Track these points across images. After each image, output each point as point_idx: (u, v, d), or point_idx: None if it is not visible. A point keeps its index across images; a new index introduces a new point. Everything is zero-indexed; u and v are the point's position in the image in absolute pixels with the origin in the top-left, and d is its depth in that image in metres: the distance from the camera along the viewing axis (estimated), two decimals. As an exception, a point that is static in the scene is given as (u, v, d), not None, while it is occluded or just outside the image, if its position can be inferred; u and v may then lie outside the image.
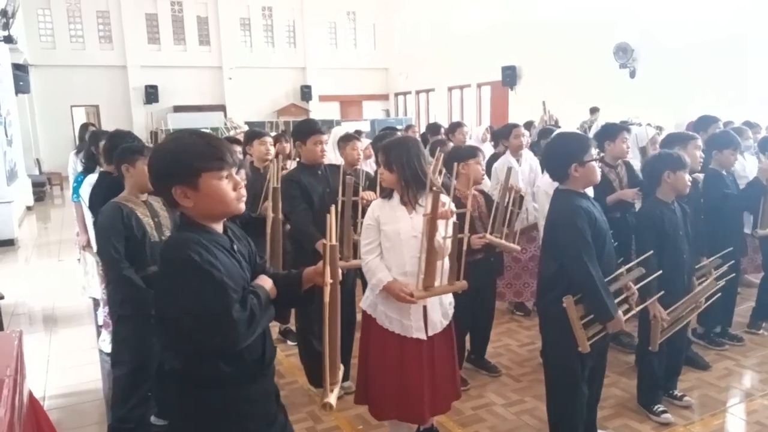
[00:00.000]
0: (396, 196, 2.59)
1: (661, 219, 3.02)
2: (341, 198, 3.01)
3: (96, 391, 3.71)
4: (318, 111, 19.52)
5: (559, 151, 2.61)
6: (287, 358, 4.07)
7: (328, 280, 1.52)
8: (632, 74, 12.57)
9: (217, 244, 1.54)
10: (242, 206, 1.59)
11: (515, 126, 4.82)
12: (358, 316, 4.48)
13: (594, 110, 11.66)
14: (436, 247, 2.49)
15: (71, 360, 4.19)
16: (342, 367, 1.68)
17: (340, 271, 1.61)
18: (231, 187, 1.55)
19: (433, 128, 6.75)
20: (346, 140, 4.29)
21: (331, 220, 1.56)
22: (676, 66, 11.33)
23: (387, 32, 20.89)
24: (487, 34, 16.03)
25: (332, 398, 1.56)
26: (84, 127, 6.32)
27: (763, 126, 7.49)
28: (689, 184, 3.08)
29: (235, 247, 1.62)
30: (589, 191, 3.01)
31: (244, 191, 1.58)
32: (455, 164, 3.24)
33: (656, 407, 3.14)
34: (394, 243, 2.53)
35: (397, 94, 21.46)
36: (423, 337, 2.57)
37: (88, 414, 3.46)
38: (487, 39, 16.00)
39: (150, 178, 1.56)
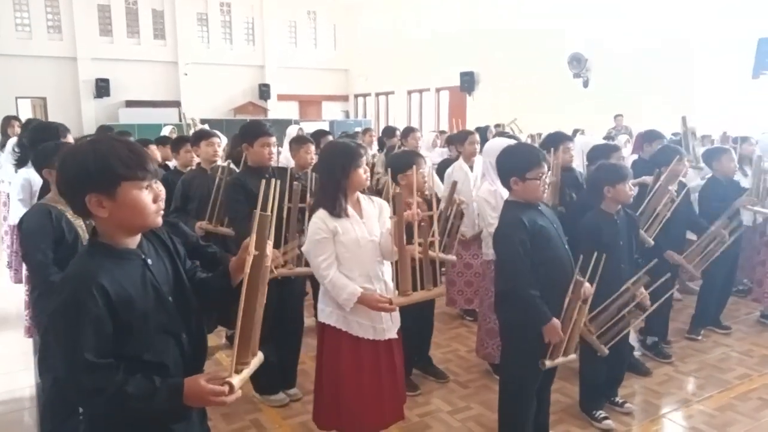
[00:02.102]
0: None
1: (599, 231, 3.07)
2: (288, 204, 2.95)
3: (30, 399, 3.53)
4: (276, 110, 19.30)
5: (504, 164, 2.63)
6: (233, 364, 3.96)
7: (252, 250, 1.46)
8: (585, 84, 12.90)
9: (124, 274, 1.45)
10: (159, 220, 1.49)
11: (470, 133, 4.85)
12: (308, 321, 4.46)
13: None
14: (385, 253, 2.48)
15: (2, 366, 3.98)
16: (260, 355, 1.57)
17: (269, 245, 1.52)
18: (151, 199, 1.46)
19: (389, 132, 6.70)
20: (299, 142, 4.23)
21: (270, 192, 1.52)
22: (626, 75, 11.69)
23: (347, 33, 20.83)
24: (446, 39, 16.17)
25: (236, 379, 1.44)
26: (6, 120, 6.01)
27: (716, 136, 7.80)
28: (631, 193, 3.15)
29: (150, 264, 1.52)
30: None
31: (162, 204, 1.50)
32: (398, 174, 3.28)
33: (598, 413, 3.19)
34: (355, 251, 2.46)
35: (357, 96, 21.42)
36: (395, 335, 2.57)
37: (18, 424, 3.28)
38: (447, 44, 16.14)
39: (61, 182, 1.44)
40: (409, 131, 5.88)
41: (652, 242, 3.06)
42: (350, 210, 2.49)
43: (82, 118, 16.50)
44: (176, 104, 17.98)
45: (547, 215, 2.62)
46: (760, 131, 7.05)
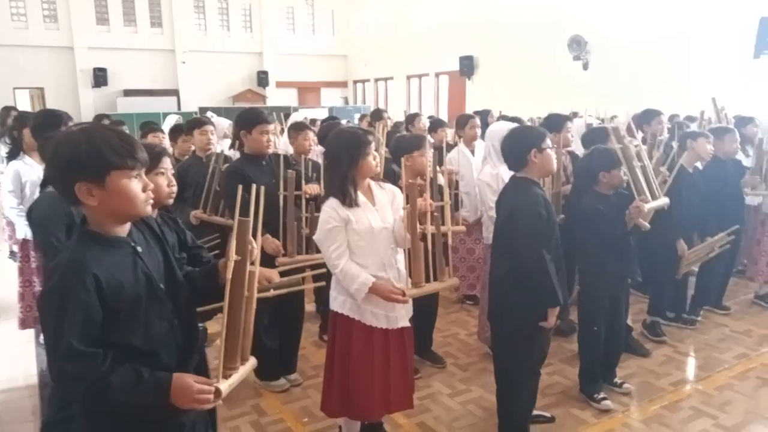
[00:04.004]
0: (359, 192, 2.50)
1: (597, 214, 3.09)
2: (283, 192, 2.94)
3: (32, 387, 3.56)
4: (275, 97, 19.18)
5: (519, 140, 2.67)
6: (234, 350, 3.99)
7: (233, 255, 1.46)
8: (585, 66, 12.80)
9: (114, 262, 1.45)
10: (149, 209, 1.50)
11: (471, 117, 4.82)
12: (309, 307, 4.48)
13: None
14: (398, 240, 2.48)
15: (3, 355, 4.01)
16: (252, 360, 1.58)
17: (255, 248, 1.53)
18: (140, 188, 1.46)
19: (376, 115, 6.32)
20: (297, 129, 4.22)
21: (254, 196, 1.51)
22: (626, 59, 11.58)
23: (346, 19, 20.64)
24: (445, 23, 16.02)
25: (224, 385, 1.45)
26: (6, 111, 5.98)
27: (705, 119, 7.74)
28: (626, 178, 3.15)
29: (141, 252, 1.53)
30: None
31: (152, 194, 1.50)
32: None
33: (597, 395, 3.22)
34: (369, 239, 2.43)
35: (356, 82, 21.29)
36: (407, 324, 2.57)
37: (21, 410, 3.31)
38: (446, 28, 16.00)
39: (50, 169, 1.44)
40: (414, 117, 5.85)
41: (648, 226, 3.05)
42: (362, 198, 2.46)
43: (81, 108, 16.39)
44: (174, 93, 17.93)
45: (544, 191, 2.66)
46: (761, 112, 7.03)
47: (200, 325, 4.18)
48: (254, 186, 1.56)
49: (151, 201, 1.51)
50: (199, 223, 3.68)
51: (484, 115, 8.24)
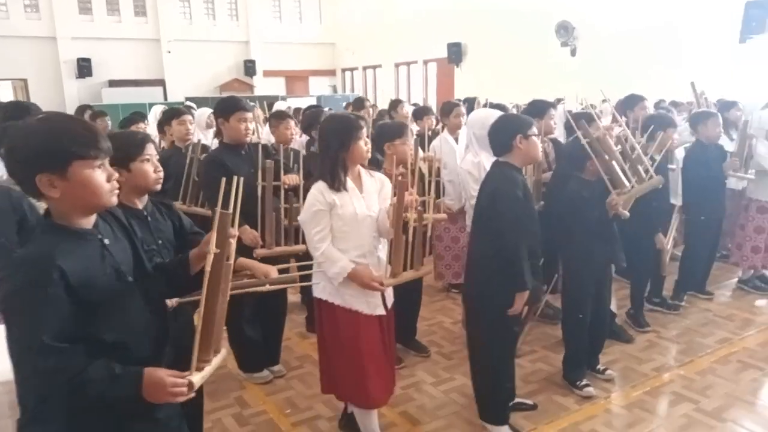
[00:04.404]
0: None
1: (582, 200, 3.09)
2: (261, 182, 2.90)
3: (7, 383, 3.51)
4: (263, 86, 19.01)
5: (505, 126, 2.71)
6: (218, 342, 3.96)
7: (213, 248, 1.42)
8: (573, 52, 12.78)
9: (82, 254, 1.41)
10: (115, 199, 1.46)
11: (456, 104, 4.77)
12: (294, 298, 4.45)
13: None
14: (381, 230, 2.46)
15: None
16: (223, 351, 1.55)
17: (233, 243, 1.50)
18: (104, 178, 1.42)
19: (358, 104, 6.23)
20: (278, 118, 4.17)
21: (235, 188, 1.48)
22: (614, 45, 11.57)
23: (333, 7, 20.46)
24: (433, 10, 15.91)
25: (196, 377, 1.43)
26: None
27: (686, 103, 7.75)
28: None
29: (108, 244, 1.49)
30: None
31: (116, 183, 1.46)
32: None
33: (580, 382, 3.22)
34: (352, 225, 2.43)
35: (344, 70, 21.15)
36: (383, 312, 2.55)
37: None
38: (433, 15, 15.90)
39: (9, 162, 1.39)
40: (397, 103, 5.77)
41: (627, 214, 3.03)
42: (350, 184, 2.45)
43: (65, 99, 16.20)
44: (160, 83, 17.73)
45: (527, 184, 2.66)
46: (747, 95, 7.04)
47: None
48: (235, 178, 1.52)
49: (117, 191, 1.47)
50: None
51: (471, 103, 8.23)
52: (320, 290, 2.52)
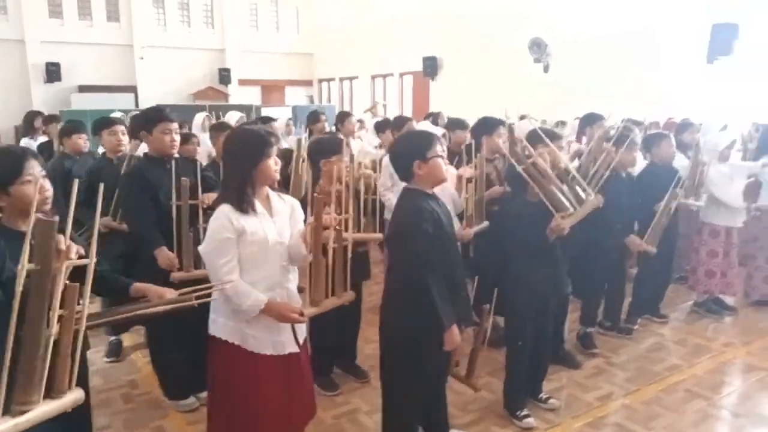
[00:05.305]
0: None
1: (524, 218, 2.98)
2: (176, 202, 2.72)
3: None
4: (238, 95, 18.80)
5: (402, 150, 2.46)
6: (148, 365, 3.74)
7: (26, 263, 1.25)
8: (546, 69, 12.80)
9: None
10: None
11: (408, 119, 4.68)
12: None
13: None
14: (294, 255, 2.27)
15: None
16: (71, 395, 1.38)
17: (69, 256, 1.37)
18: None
19: (313, 117, 5.87)
20: (219, 130, 4.01)
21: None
22: (587, 61, 11.60)
23: (311, 17, 20.37)
24: (409, 23, 15.89)
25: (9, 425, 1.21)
26: None
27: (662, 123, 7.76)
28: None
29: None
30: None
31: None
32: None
33: (520, 412, 3.08)
34: (262, 253, 2.19)
35: (321, 81, 21.03)
36: (296, 349, 2.33)
37: None
38: (409, 28, 15.88)
39: None
40: (344, 116, 5.60)
41: (567, 230, 2.91)
42: (259, 207, 2.22)
43: (33, 104, 15.77)
44: (132, 89, 17.42)
45: (439, 203, 2.47)
46: (714, 116, 7.02)
47: (114, 337, 3.99)
48: (76, 181, 1.36)
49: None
50: (108, 231, 3.44)
51: (435, 117, 8.16)
52: (218, 328, 2.27)
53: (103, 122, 3.73)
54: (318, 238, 2.20)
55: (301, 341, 2.37)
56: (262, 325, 2.22)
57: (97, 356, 3.88)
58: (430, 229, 2.31)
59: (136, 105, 16.40)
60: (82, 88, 16.75)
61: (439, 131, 4.84)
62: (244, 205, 2.16)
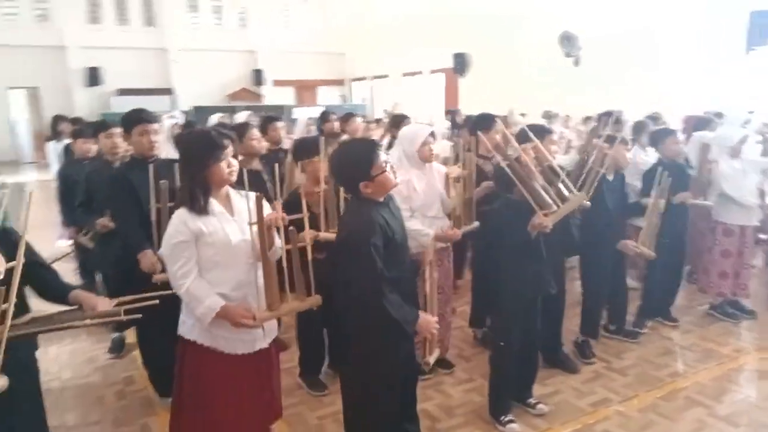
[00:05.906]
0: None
1: (507, 217, 2.92)
2: (155, 205, 2.75)
3: None
4: (272, 96, 19.07)
5: (345, 175, 2.35)
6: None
7: None
8: (576, 62, 12.50)
9: None
10: None
11: (405, 117, 4.62)
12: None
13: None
14: (269, 256, 2.25)
15: None
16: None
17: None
18: None
19: (324, 117, 5.75)
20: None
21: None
22: (619, 53, 11.26)
23: (342, 16, 20.45)
24: (438, 21, 15.79)
25: None
26: None
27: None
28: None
29: None
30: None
31: None
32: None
33: (504, 417, 3.00)
34: (225, 254, 2.19)
35: (353, 80, 21.10)
36: (266, 345, 2.35)
37: None
38: (439, 26, 15.77)
39: None
40: (348, 117, 5.56)
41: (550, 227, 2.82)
42: (218, 207, 2.23)
43: (75, 107, 16.40)
44: (168, 92, 17.89)
45: (391, 207, 2.40)
46: (739, 109, 6.71)
47: (117, 334, 4.08)
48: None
49: None
50: (107, 231, 3.52)
51: (453, 115, 8.06)
52: (188, 329, 2.28)
53: (100, 126, 3.82)
54: (263, 239, 2.16)
55: (270, 337, 2.37)
56: (226, 325, 2.22)
57: (99, 352, 3.99)
58: (379, 242, 2.23)
59: (173, 107, 16.84)
60: (122, 91, 17.31)
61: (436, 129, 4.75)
62: (196, 208, 2.16)
